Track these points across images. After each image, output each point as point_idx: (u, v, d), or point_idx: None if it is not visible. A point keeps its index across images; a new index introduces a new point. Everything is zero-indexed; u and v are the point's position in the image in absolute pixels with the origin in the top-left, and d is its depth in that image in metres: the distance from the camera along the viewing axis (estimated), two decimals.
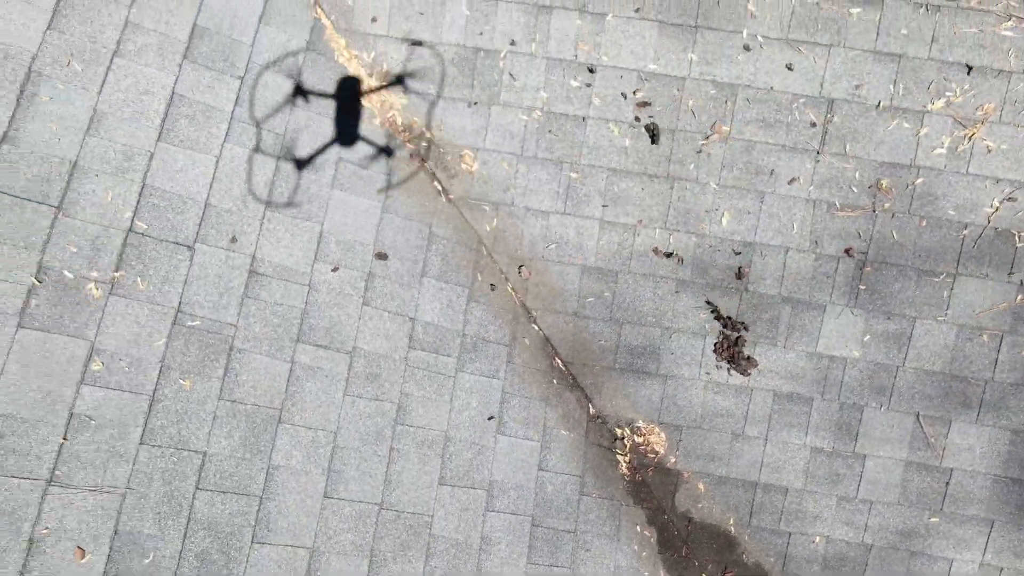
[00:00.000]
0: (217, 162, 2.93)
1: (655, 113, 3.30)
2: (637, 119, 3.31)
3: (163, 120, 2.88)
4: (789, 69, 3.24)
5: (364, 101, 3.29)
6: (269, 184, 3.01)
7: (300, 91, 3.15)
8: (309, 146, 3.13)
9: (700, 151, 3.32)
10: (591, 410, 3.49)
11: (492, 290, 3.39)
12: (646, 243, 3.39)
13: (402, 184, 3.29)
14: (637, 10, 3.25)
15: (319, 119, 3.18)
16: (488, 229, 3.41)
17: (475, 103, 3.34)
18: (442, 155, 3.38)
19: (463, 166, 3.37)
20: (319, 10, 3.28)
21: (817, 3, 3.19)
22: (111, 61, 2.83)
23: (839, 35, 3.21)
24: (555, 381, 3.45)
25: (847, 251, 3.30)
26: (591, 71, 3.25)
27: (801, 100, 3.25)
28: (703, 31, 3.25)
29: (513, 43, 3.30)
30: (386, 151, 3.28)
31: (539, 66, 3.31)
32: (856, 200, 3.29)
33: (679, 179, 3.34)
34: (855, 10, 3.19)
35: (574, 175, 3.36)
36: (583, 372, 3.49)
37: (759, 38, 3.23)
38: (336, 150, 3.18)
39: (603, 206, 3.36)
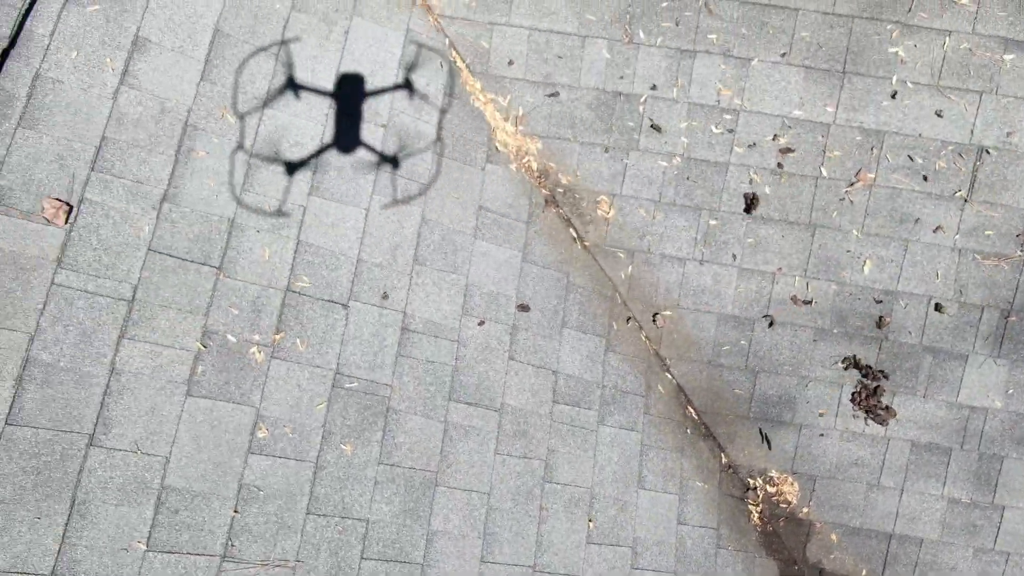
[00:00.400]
0: (367, 215, 2.84)
1: (798, 159, 3.23)
2: (779, 165, 3.23)
3: (313, 173, 2.78)
4: (938, 116, 3.16)
5: (498, 145, 3.20)
6: (416, 234, 2.93)
7: (438, 138, 3.06)
8: (452, 193, 3.04)
9: (843, 198, 3.24)
10: (724, 460, 3.42)
11: (627, 323, 3.30)
12: (784, 291, 3.31)
13: (539, 232, 3.21)
14: (783, 55, 3.17)
15: (455, 164, 3.09)
16: (623, 276, 3.33)
17: (613, 148, 3.25)
18: (577, 201, 3.29)
19: (599, 212, 3.29)
20: (455, 53, 3.19)
21: (969, 49, 3.12)
22: (262, 111, 2.74)
23: (991, 82, 3.13)
24: (689, 431, 3.37)
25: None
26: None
27: (950, 147, 3.18)
28: (851, 77, 3.17)
29: (654, 88, 3.21)
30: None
31: (680, 111, 3.23)
32: (1003, 249, 3.22)
33: (821, 226, 3.26)
34: (1008, 57, 3.11)
35: (713, 222, 3.28)
36: (716, 421, 3.41)
37: (908, 84, 3.16)
38: (478, 199, 3.09)
39: (733, 255, 3.28)
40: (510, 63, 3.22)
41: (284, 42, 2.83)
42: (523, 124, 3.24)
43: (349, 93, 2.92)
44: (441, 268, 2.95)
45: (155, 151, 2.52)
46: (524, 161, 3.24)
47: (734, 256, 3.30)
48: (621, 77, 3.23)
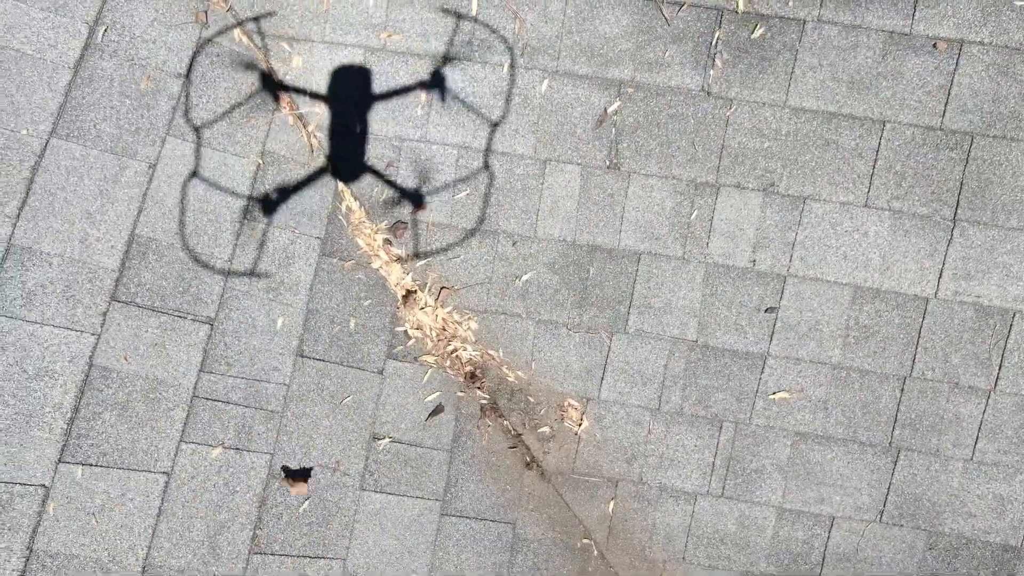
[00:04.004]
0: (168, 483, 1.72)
1: (877, 348, 2.07)
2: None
3: None
4: None
5: (408, 328, 2.06)
6: (261, 495, 1.80)
7: (305, 327, 1.93)
8: (327, 417, 1.92)
9: (946, 409, 2.09)
10: None
11: None
12: (849, 541, 2.17)
13: (470, 462, 2.07)
14: (860, 193, 2.00)
15: (336, 369, 1.96)
16: (600, 517, 2.19)
17: (588, 329, 2.10)
18: (533, 408, 2.15)
19: (566, 423, 2.15)
20: (340, 185, 2.05)
21: None
22: None
23: None
24: None
25: None
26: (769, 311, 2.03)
27: None
28: (964, 227, 2.00)
29: (653, 240, 2.06)
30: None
31: (692, 275, 2.07)
32: None
33: (908, 450, 2.11)
34: None
35: (741, 440, 2.14)
36: None
37: None
38: (370, 423, 1.96)
39: (771, 488, 2.14)
40: (424, 206, 2.08)
41: None
42: (449, 294, 2.10)
43: None
44: (302, 553, 1.83)
45: None
46: (449, 351, 2.10)
47: (772, 489, 2.16)
48: (601, 223, 2.07)
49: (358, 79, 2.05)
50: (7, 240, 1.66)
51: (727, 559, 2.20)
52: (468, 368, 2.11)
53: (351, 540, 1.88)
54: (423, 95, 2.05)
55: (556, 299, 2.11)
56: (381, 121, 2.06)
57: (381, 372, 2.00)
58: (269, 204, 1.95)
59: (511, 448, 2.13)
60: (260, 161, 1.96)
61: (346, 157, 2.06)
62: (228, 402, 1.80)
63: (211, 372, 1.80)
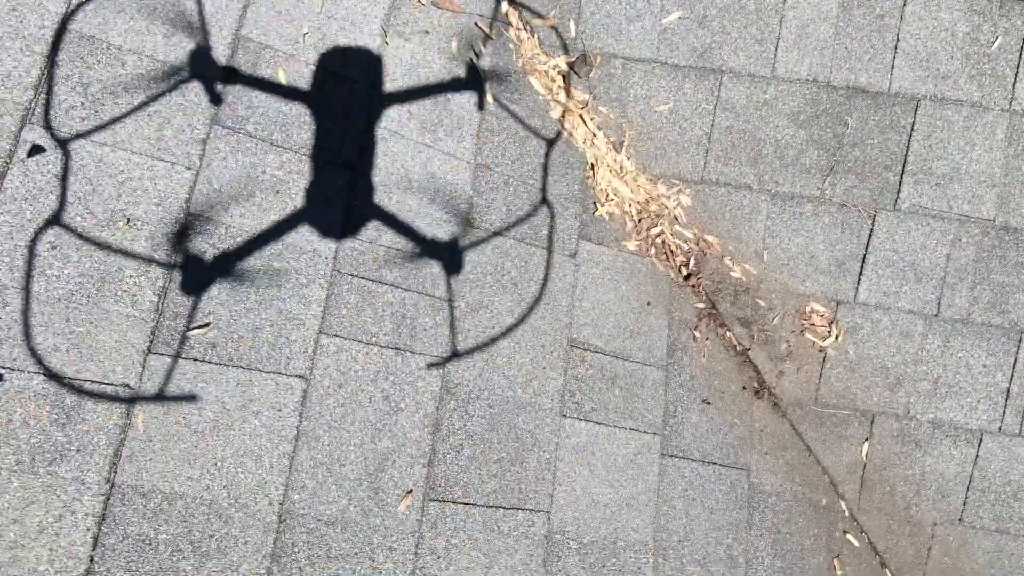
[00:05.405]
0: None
1: None
2: None
3: None
4: None
5: (599, 199, 1.51)
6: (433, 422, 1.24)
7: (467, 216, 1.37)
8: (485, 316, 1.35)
9: None
10: None
11: (861, 566, 1.61)
12: None
13: (687, 384, 1.51)
14: None
15: (515, 247, 1.40)
16: (849, 463, 1.62)
17: (843, 204, 1.55)
18: (764, 315, 1.59)
19: (807, 336, 1.59)
20: (507, 5, 1.51)
21: None
22: None
23: None
24: None
25: None
26: None
27: None
28: None
29: (939, 77, 1.51)
30: None
31: (989, 125, 1.52)
32: None
33: None
34: None
35: None
36: None
37: None
38: (567, 327, 1.40)
39: None
40: (617, 28, 1.52)
41: None
42: (650, 156, 1.55)
43: None
44: (492, 503, 1.26)
45: None
46: (652, 235, 1.54)
47: None
48: (865, 56, 1.52)
49: None
50: None
51: (1023, 521, 1.63)
52: (679, 259, 1.55)
53: (554, 486, 1.31)
54: None
55: (800, 164, 1.55)
56: None
57: (574, 256, 1.44)
58: (406, 21, 1.40)
59: (737, 368, 1.56)
60: None
61: None
62: (381, 282, 1.24)
63: (356, 237, 1.24)
